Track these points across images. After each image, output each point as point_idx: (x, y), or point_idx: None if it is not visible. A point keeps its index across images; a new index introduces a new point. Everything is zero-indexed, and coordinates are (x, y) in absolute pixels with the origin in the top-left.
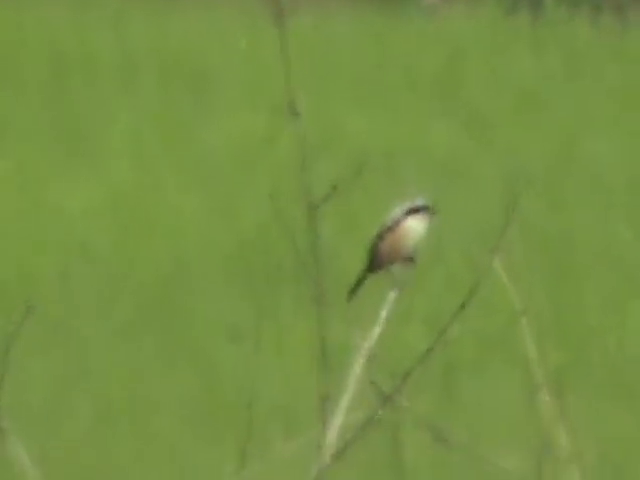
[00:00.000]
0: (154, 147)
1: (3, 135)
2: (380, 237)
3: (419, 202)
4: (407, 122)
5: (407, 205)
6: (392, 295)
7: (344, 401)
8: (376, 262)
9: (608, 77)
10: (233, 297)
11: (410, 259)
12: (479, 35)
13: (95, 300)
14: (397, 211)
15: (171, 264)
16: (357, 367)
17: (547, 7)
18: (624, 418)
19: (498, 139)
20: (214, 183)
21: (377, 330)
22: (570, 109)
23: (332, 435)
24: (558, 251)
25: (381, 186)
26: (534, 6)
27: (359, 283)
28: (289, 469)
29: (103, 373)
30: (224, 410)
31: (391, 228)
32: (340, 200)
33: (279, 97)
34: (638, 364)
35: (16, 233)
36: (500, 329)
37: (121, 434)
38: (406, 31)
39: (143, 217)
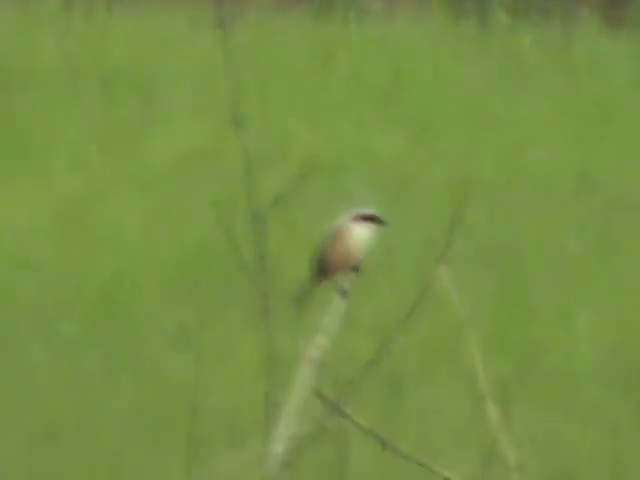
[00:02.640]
0: (98, 158)
1: None
2: (326, 245)
3: (366, 211)
4: (353, 131)
5: (353, 213)
6: (338, 304)
7: (289, 410)
8: (322, 270)
9: (554, 85)
10: (178, 307)
11: (356, 268)
12: (425, 42)
13: (38, 314)
14: (343, 219)
15: (115, 276)
16: (303, 376)
17: (494, 14)
18: (568, 428)
19: (444, 148)
20: (158, 193)
21: (323, 338)
22: (516, 117)
23: (279, 444)
24: (505, 261)
25: (327, 196)
26: (481, 13)
27: (305, 292)
28: (236, 479)
29: (47, 387)
30: (169, 420)
31: (337, 236)
32: (285, 210)
33: (224, 106)
34: (584, 376)
35: None
36: (446, 339)
37: (66, 448)
38: (351, 38)
39: (86, 229)
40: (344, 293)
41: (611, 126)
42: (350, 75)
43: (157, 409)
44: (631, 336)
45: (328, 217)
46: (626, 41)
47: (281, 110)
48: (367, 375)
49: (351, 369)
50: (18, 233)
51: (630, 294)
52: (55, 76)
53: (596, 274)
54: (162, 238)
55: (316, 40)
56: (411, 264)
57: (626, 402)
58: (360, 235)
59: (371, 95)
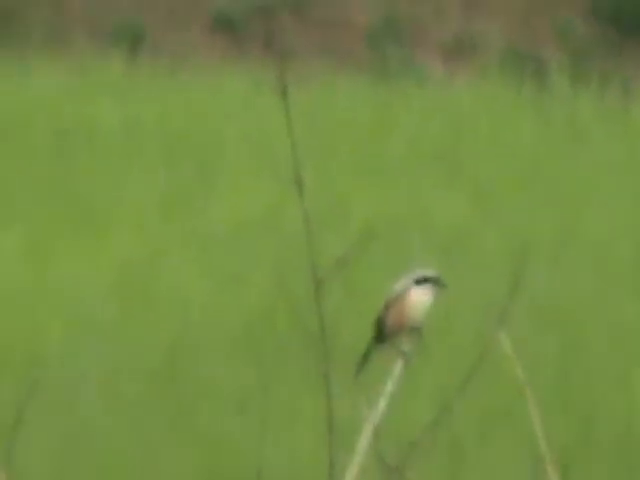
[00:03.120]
0: (159, 220)
1: (9, 208)
2: (386, 308)
3: (428, 273)
4: (412, 193)
5: (414, 276)
6: (398, 367)
7: (351, 474)
8: (383, 333)
9: (612, 150)
10: (240, 370)
11: (416, 330)
12: (484, 106)
13: (101, 374)
14: (403, 282)
15: (178, 339)
16: (364, 440)
17: (552, 79)
18: None
19: (502, 211)
20: (219, 256)
21: (384, 403)
22: (574, 181)
23: None
24: (564, 324)
25: (386, 258)
26: (539, 78)
27: (366, 356)
28: None
29: (108, 449)
30: None
31: (397, 299)
32: (346, 272)
33: (284, 169)
34: None
35: (21, 306)
36: (506, 403)
37: None
38: (410, 101)
39: (148, 291)
40: (405, 356)
41: None
42: (409, 138)
43: (220, 473)
44: None
45: (388, 279)
46: None
47: (341, 173)
48: (428, 439)
49: (412, 433)
50: (81, 295)
51: None
52: (117, 140)
53: None
54: (224, 302)
55: (376, 103)
56: (470, 327)
57: None
58: (419, 298)
59: (430, 158)
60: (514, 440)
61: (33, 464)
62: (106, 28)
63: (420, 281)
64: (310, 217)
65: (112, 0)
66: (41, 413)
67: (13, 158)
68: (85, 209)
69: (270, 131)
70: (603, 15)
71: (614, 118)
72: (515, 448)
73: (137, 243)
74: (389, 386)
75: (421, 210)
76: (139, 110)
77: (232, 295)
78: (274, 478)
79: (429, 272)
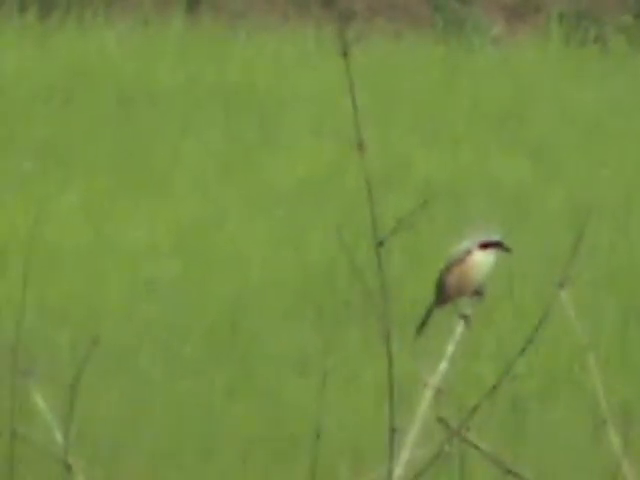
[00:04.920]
0: (219, 180)
1: (68, 170)
2: (448, 270)
3: (491, 237)
4: (473, 154)
5: (477, 238)
6: (460, 330)
7: (412, 436)
8: (444, 296)
9: None
10: (300, 331)
11: (478, 293)
12: (546, 67)
13: (161, 333)
14: (465, 244)
15: (237, 298)
16: (425, 402)
17: (614, 40)
18: None
19: (565, 171)
20: (280, 216)
21: (445, 365)
22: (637, 142)
23: (400, 470)
24: (626, 285)
25: (447, 219)
26: (600, 38)
27: (427, 317)
28: None
29: (168, 408)
30: (292, 446)
31: (459, 261)
32: (407, 234)
33: (345, 128)
34: None
35: (82, 266)
36: (567, 363)
37: (186, 470)
38: (472, 62)
39: (208, 251)
40: (466, 319)
41: None
42: (471, 99)
43: (280, 435)
44: None
45: (450, 241)
46: None
47: (402, 134)
48: (489, 401)
49: (474, 394)
50: (140, 254)
51: None
52: (177, 99)
53: None
54: (284, 261)
55: (437, 64)
56: (532, 288)
57: None
58: (482, 261)
59: (492, 119)
60: (575, 401)
61: (92, 423)
62: None
63: (484, 244)
64: (371, 177)
65: None
66: (101, 372)
67: (74, 118)
68: (146, 168)
69: (332, 90)
70: None
71: None
72: (576, 409)
73: (197, 202)
74: (450, 348)
75: (483, 171)
76: (199, 69)
77: (293, 255)
78: (334, 440)
79: (493, 235)
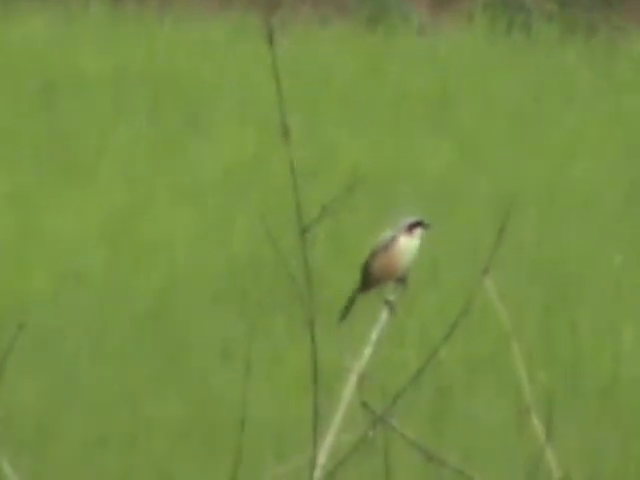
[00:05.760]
0: (145, 169)
1: None
2: (373, 256)
3: (411, 219)
4: (399, 142)
5: (400, 223)
6: (384, 316)
7: (336, 422)
8: (369, 280)
9: (600, 98)
10: (225, 318)
11: (402, 279)
12: (471, 54)
13: (88, 322)
14: (389, 231)
15: (163, 287)
16: (348, 388)
17: (540, 27)
18: (613, 441)
19: (491, 159)
20: (206, 204)
21: (369, 351)
22: (562, 130)
23: (324, 455)
24: (551, 274)
25: (373, 207)
26: (526, 27)
27: (351, 303)
28: None
29: (94, 395)
30: (216, 431)
31: (383, 247)
32: (331, 221)
33: (271, 117)
34: (629, 388)
35: (8, 257)
36: (491, 351)
37: (111, 456)
38: (397, 49)
39: (134, 241)
40: (390, 305)
41: None
42: (397, 87)
43: (204, 421)
44: None
45: (374, 227)
46: None
47: (327, 121)
48: (413, 387)
49: (398, 381)
50: (66, 244)
51: None
52: (103, 89)
53: None
54: (210, 249)
55: (363, 52)
56: (457, 276)
57: None
58: (407, 246)
59: (418, 107)
60: (499, 388)
61: (17, 412)
62: None
63: (406, 228)
64: (297, 165)
65: None
66: (27, 358)
67: None
68: (72, 158)
69: (256, 79)
70: None
71: (601, 68)
72: (500, 396)
73: (123, 191)
74: (374, 334)
75: (408, 159)
76: (124, 57)
77: (218, 243)
78: (258, 427)
79: (414, 217)
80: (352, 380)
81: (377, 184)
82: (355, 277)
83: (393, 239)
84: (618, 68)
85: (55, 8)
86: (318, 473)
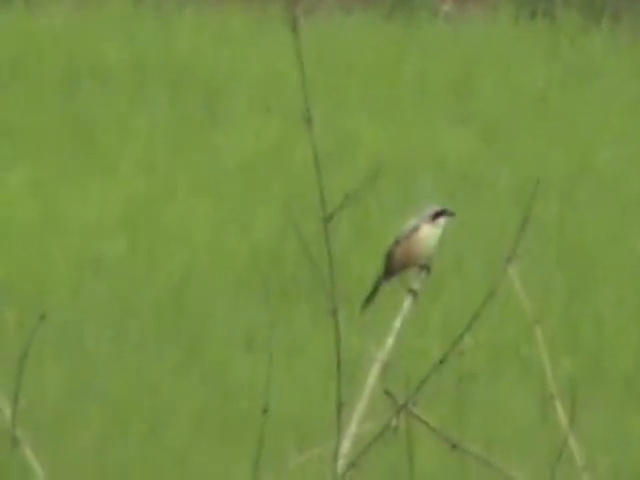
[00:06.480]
0: (166, 157)
1: (17, 144)
2: (396, 244)
3: (435, 207)
4: (422, 130)
5: (424, 212)
6: (407, 304)
7: (359, 410)
8: (391, 268)
9: (623, 85)
10: (247, 306)
11: (425, 267)
12: (495, 42)
13: (108, 310)
14: (413, 218)
15: (184, 275)
16: (372, 376)
17: (564, 15)
18: (637, 428)
19: (513, 147)
20: (228, 192)
21: (391, 339)
22: (586, 117)
23: (346, 444)
24: (574, 261)
25: (396, 195)
26: (550, 14)
27: (374, 291)
28: (304, 479)
29: (116, 383)
30: (239, 420)
31: (407, 235)
32: (355, 209)
33: (293, 104)
34: None
35: (29, 243)
36: (515, 339)
37: (133, 444)
38: (421, 37)
39: (156, 227)
40: (414, 293)
41: None
42: (419, 75)
43: (226, 408)
44: None
45: (397, 216)
46: None
47: (350, 108)
48: (436, 375)
49: (421, 369)
50: (87, 231)
51: None
52: (124, 77)
53: None
54: (231, 237)
55: (386, 40)
56: (480, 264)
57: None
58: (429, 234)
59: (440, 95)
60: (523, 376)
61: (38, 401)
62: None
63: (428, 217)
64: (319, 153)
65: None
66: (48, 349)
67: (21, 95)
68: (92, 146)
69: (277, 68)
70: None
71: (625, 54)
72: (523, 384)
73: (144, 179)
74: (397, 323)
75: (432, 147)
76: (145, 46)
77: (240, 231)
78: (281, 415)
79: (438, 206)
80: (375, 369)
81: (400, 172)
82: (378, 265)
83: (415, 227)
84: None
85: None
86: (341, 462)
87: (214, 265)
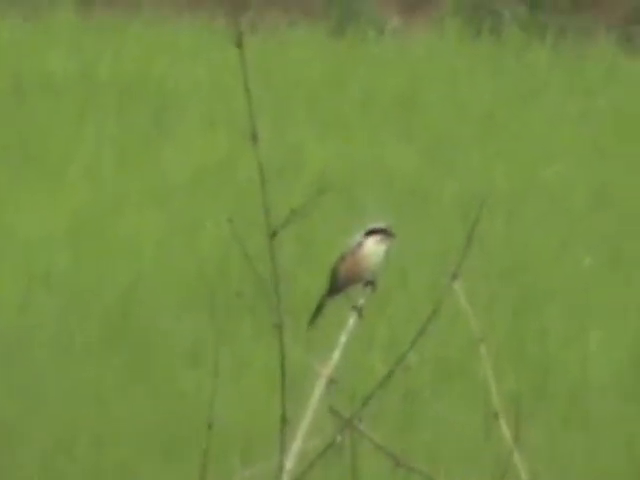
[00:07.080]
0: (114, 170)
1: None
2: (341, 260)
3: (379, 225)
4: (368, 145)
5: (367, 228)
6: (352, 320)
7: (303, 426)
8: (337, 284)
9: (569, 101)
10: (193, 321)
11: (371, 283)
12: (441, 58)
13: (54, 325)
14: (358, 235)
15: (131, 289)
16: (317, 392)
17: (509, 31)
18: (582, 444)
19: (459, 162)
20: (175, 206)
21: (337, 355)
22: (531, 133)
23: (291, 460)
24: (519, 277)
25: (341, 211)
26: (495, 30)
27: (319, 307)
28: None
29: (62, 398)
30: (183, 435)
31: (352, 251)
32: (300, 224)
33: (240, 119)
34: (598, 391)
35: None
36: (460, 355)
37: (80, 461)
38: (367, 53)
39: (102, 242)
40: (358, 309)
41: (626, 142)
42: (365, 90)
43: (172, 423)
44: None
45: (342, 231)
46: None
47: (296, 125)
48: (381, 391)
49: (366, 385)
50: (33, 244)
51: None
52: (71, 88)
53: (610, 290)
54: (178, 251)
55: (332, 55)
56: (426, 280)
57: None
58: (374, 250)
59: (386, 110)
60: (467, 393)
61: None
62: None
63: (372, 233)
64: (265, 168)
65: None
66: None
67: None
68: (39, 158)
69: (226, 81)
70: None
71: (570, 70)
72: (468, 401)
73: (91, 192)
74: (343, 338)
75: (377, 162)
76: (93, 59)
77: (186, 245)
78: (226, 431)
79: (381, 223)
80: (320, 384)
81: (346, 187)
82: (324, 281)
83: (360, 243)
84: (587, 70)
85: (23, 9)
86: (285, 478)
87: (160, 279)
